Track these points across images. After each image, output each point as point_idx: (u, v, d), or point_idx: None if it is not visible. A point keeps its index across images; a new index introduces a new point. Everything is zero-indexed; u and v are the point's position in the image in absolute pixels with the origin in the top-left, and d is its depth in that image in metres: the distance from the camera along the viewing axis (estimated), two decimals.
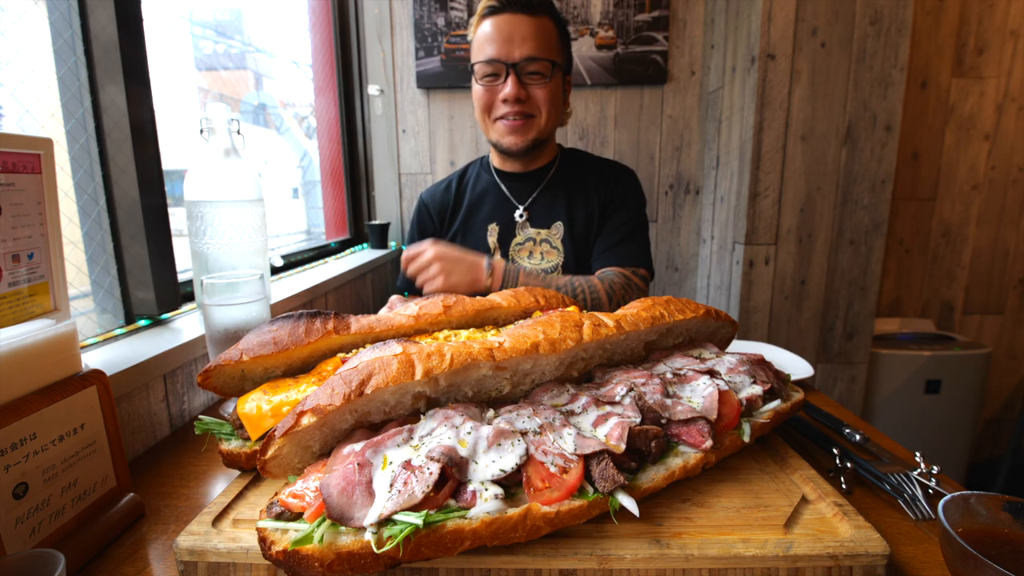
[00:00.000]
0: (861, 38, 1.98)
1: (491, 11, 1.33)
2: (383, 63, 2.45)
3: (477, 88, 1.37)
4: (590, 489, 0.55)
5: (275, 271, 1.74)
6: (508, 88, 1.30)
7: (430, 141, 2.53)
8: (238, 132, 1.03)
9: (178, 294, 1.16)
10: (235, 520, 0.59)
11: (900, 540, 0.61)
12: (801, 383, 1.09)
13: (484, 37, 1.33)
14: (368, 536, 0.47)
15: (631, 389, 0.65)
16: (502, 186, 1.50)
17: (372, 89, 2.47)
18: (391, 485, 0.48)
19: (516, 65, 1.30)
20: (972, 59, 2.46)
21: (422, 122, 2.51)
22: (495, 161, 1.53)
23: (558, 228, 1.45)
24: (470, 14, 2.36)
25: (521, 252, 1.46)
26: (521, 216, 1.46)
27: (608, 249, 1.43)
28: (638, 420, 0.61)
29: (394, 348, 0.67)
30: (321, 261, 2.05)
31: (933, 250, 2.63)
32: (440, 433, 0.54)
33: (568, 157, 1.54)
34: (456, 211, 1.54)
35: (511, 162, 1.49)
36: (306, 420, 0.53)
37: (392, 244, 2.54)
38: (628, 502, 0.54)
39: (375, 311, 1.02)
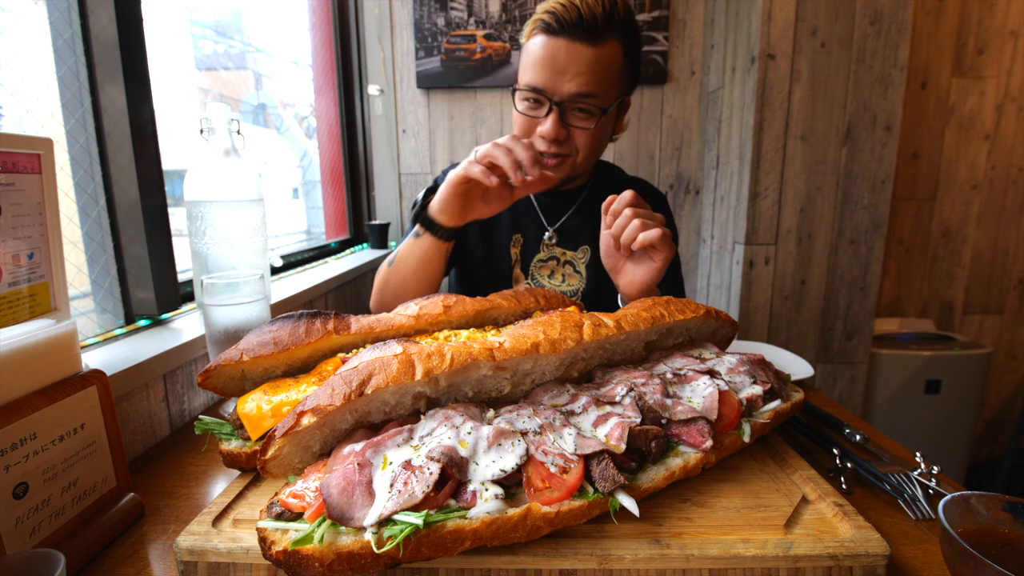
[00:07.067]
0: (861, 38, 1.98)
1: (547, 29, 1.12)
2: (383, 63, 2.45)
3: (516, 113, 1.23)
4: (590, 489, 0.55)
5: (275, 271, 1.74)
6: (547, 126, 1.16)
7: (430, 141, 2.53)
8: (238, 132, 1.03)
9: (178, 294, 1.16)
10: (235, 520, 0.59)
11: (900, 540, 0.61)
12: (801, 383, 1.09)
13: (534, 56, 1.14)
14: (368, 536, 0.47)
15: (631, 389, 0.65)
16: (532, 198, 1.40)
17: (372, 89, 2.47)
18: (391, 485, 0.48)
19: (562, 103, 1.14)
20: (972, 59, 2.46)
21: (422, 122, 2.51)
22: None
23: (584, 252, 1.37)
24: (470, 14, 2.36)
25: (543, 270, 1.38)
26: (550, 238, 1.38)
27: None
28: (638, 420, 0.61)
29: (394, 348, 0.67)
30: (321, 261, 2.05)
31: (933, 250, 2.63)
32: (440, 433, 0.54)
33: (603, 177, 1.44)
34: None
35: None
36: (306, 420, 0.53)
37: (392, 244, 2.53)
38: (628, 502, 0.54)
39: None
